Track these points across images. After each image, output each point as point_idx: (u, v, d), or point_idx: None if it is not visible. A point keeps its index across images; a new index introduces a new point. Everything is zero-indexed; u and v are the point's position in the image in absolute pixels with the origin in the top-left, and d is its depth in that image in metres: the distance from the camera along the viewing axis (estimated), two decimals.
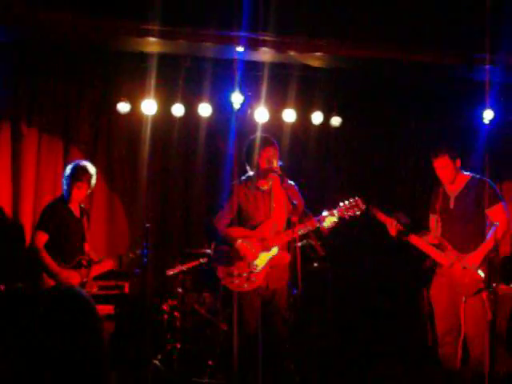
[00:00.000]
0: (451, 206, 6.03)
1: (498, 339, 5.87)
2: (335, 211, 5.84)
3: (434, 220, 6.16)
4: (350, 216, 5.89)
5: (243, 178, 6.04)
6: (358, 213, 5.91)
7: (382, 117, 8.62)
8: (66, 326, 2.16)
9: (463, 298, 5.81)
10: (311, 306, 7.46)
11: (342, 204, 5.88)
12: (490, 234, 5.83)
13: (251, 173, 5.99)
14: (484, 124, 7.96)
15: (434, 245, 6.00)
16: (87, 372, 2.17)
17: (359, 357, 7.37)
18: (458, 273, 5.84)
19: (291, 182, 6.02)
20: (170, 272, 6.97)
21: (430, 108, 8.41)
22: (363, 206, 5.91)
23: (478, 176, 6.04)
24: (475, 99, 7.97)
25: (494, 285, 5.69)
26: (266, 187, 5.99)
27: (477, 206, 5.90)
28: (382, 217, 6.14)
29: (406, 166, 8.63)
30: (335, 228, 5.87)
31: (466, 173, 6.05)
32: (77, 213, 6.52)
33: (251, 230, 5.87)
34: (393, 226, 6.08)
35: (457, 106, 8.22)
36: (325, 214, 5.83)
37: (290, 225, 5.83)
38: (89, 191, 6.56)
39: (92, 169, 6.48)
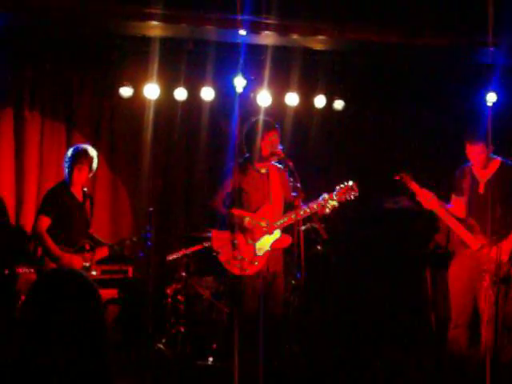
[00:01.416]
0: (481, 190, 6.02)
1: (508, 326, 5.89)
2: (334, 194, 5.85)
3: (457, 200, 6.15)
4: (347, 199, 5.90)
5: (242, 159, 6.04)
6: (352, 196, 5.92)
7: (385, 100, 8.60)
8: (67, 309, 2.17)
9: (486, 283, 5.80)
10: (314, 290, 7.47)
11: (338, 187, 5.89)
12: None
13: (247, 155, 5.99)
14: (487, 107, 7.94)
15: (462, 223, 6.02)
16: (89, 356, 2.18)
17: (362, 340, 7.39)
18: (484, 258, 5.85)
19: (280, 165, 6.03)
20: (171, 257, 6.99)
21: (434, 91, 8.37)
22: (357, 190, 5.92)
23: (509, 161, 6.04)
24: (478, 82, 7.95)
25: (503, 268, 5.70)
26: (264, 170, 5.99)
27: (507, 191, 5.90)
28: (414, 186, 6.13)
29: (409, 148, 8.60)
30: (334, 212, 5.90)
31: (496, 157, 6.05)
32: (79, 197, 6.53)
33: (251, 213, 5.88)
34: (422, 191, 6.08)
35: (460, 88, 8.18)
36: (325, 197, 5.84)
37: (289, 208, 5.88)
38: (90, 174, 6.57)
39: (93, 152, 6.50)
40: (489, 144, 5.94)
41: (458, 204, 6.18)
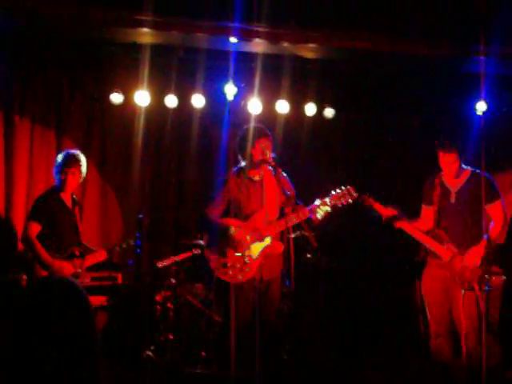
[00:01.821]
0: (452, 200, 6.06)
1: (489, 330, 5.91)
2: (327, 200, 5.85)
3: (427, 211, 6.18)
4: (343, 204, 5.90)
5: (235, 168, 6.04)
6: (350, 201, 5.93)
7: (375, 108, 8.61)
8: (57, 316, 2.16)
9: (462, 292, 5.83)
10: (305, 297, 7.47)
11: (334, 192, 5.90)
12: (489, 230, 5.89)
13: (243, 163, 5.99)
14: (477, 116, 7.97)
15: (429, 235, 6.04)
16: (79, 362, 2.17)
17: (352, 348, 7.39)
18: (457, 267, 5.87)
19: (284, 174, 6.02)
20: (160, 264, 6.98)
21: (424, 99, 8.40)
22: (355, 194, 5.93)
23: (478, 171, 6.08)
24: (469, 91, 7.98)
25: (486, 276, 5.72)
26: (258, 178, 5.99)
27: (478, 201, 5.93)
28: (378, 206, 6.15)
29: (399, 157, 8.63)
30: (327, 218, 5.89)
31: (466, 167, 6.08)
32: (69, 203, 6.51)
33: (244, 220, 5.87)
34: (386, 211, 6.11)
35: (450, 97, 8.21)
36: (317, 203, 5.84)
37: (282, 215, 5.85)
38: (81, 179, 6.55)
39: (82, 157, 6.50)
40: (463, 154, 5.99)
41: (428, 214, 6.20)
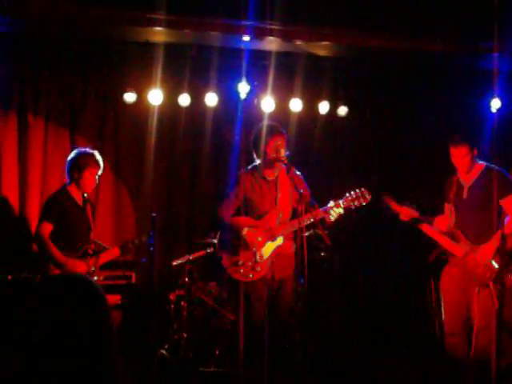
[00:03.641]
0: (464, 195, 6.04)
1: (504, 329, 5.88)
2: (341, 202, 5.83)
3: (447, 209, 6.16)
4: (356, 206, 5.89)
5: (250, 167, 6.03)
6: (363, 203, 5.91)
7: (389, 106, 8.59)
8: (74, 314, 2.16)
9: (476, 289, 5.81)
10: (318, 296, 7.46)
11: (347, 195, 5.88)
12: (504, 225, 5.84)
13: (258, 162, 5.98)
14: (491, 113, 7.94)
15: (446, 234, 6.02)
16: (96, 362, 2.17)
17: (366, 347, 7.38)
18: (471, 263, 5.85)
19: (298, 172, 6.01)
20: (174, 262, 6.98)
21: (438, 97, 8.37)
22: (369, 197, 5.90)
23: (492, 165, 6.04)
24: (482, 88, 7.95)
25: (502, 275, 5.69)
26: (272, 177, 5.98)
27: (490, 195, 5.89)
28: (395, 205, 6.14)
29: (414, 154, 8.60)
30: (339, 219, 5.88)
31: (480, 162, 6.05)
32: (79, 201, 6.46)
33: (257, 219, 5.86)
34: (407, 214, 6.09)
35: (464, 94, 8.18)
36: (331, 204, 5.82)
37: (296, 214, 5.84)
38: (97, 177, 6.47)
39: (100, 158, 6.45)
40: (474, 147, 5.95)
41: (448, 211, 6.19)
